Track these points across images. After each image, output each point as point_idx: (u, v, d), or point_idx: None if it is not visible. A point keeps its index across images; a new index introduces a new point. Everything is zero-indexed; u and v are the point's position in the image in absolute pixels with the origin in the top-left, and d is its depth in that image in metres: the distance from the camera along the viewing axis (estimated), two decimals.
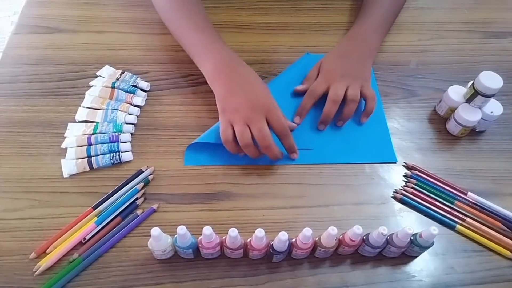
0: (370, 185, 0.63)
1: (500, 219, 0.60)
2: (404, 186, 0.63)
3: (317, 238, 0.53)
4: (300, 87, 0.71)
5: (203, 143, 0.64)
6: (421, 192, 0.62)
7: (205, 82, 0.72)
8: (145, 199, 0.59)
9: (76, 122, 0.66)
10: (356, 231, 0.50)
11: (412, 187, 0.62)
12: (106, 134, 0.64)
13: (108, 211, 0.57)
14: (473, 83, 0.65)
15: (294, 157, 0.64)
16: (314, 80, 0.71)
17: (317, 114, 0.69)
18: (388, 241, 0.53)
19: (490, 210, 0.61)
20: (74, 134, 0.64)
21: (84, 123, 0.66)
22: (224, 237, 0.52)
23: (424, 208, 0.61)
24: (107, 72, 0.72)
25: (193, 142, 0.64)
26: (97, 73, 0.72)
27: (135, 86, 0.70)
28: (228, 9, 0.84)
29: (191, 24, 0.69)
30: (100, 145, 0.63)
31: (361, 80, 0.69)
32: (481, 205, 0.61)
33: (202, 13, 0.71)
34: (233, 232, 0.49)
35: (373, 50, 0.75)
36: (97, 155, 0.62)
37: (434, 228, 0.51)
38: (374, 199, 0.62)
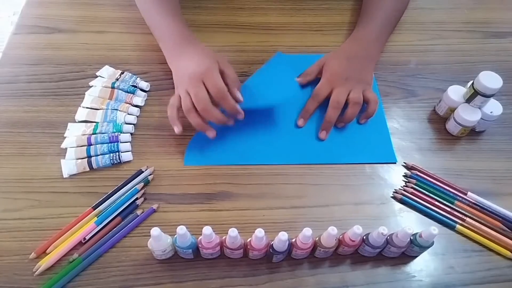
0: (370, 185, 0.63)
1: (500, 219, 0.60)
2: (404, 186, 0.63)
3: (317, 238, 0.53)
4: (300, 79, 0.72)
5: (203, 143, 0.64)
6: (421, 192, 0.62)
7: None
8: (145, 199, 0.59)
9: (76, 122, 0.66)
10: (356, 231, 0.50)
11: (412, 187, 0.62)
12: (106, 134, 0.64)
13: (108, 211, 0.57)
14: (472, 83, 0.65)
15: (239, 117, 0.62)
16: (313, 76, 0.72)
17: (317, 114, 0.69)
18: (388, 241, 0.53)
19: (490, 210, 0.61)
20: (74, 134, 0.64)
21: (84, 123, 0.66)
22: (224, 237, 0.52)
23: (424, 208, 0.61)
24: (107, 72, 0.72)
25: (191, 140, 0.64)
26: (97, 73, 0.72)
27: (135, 86, 0.70)
28: (228, 9, 0.83)
29: (158, 9, 0.71)
30: (100, 145, 0.63)
31: (364, 83, 0.69)
32: (481, 205, 0.61)
33: (174, 2, 0.73)
34: (233, 232, 0.49)
35: (377, 53, 0.75)
36: (97, 155, 0.62)
37: (434, 228, 0.51)
38: (374, 199, 0.62)
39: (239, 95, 0.62)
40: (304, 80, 0.72)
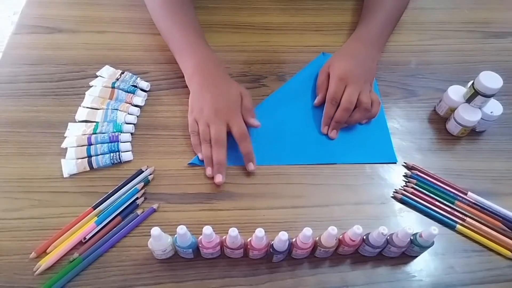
0: (370, 185, 0.63)
1: (500, 219, 0.60)
2: (404, 186, 0.63)
3: (317, 238, 0.53)
4: (318, 100, 0.70)
5: None
6: (421, 192, 0.62)
7: None
8: (145, 199, 0.59)
9: (76, 122, 0.66)
10: (356, 231, 0.50)
11: (412, 187, 0.62)
12: (106, 134, 0.64)
13: (108, 211, 0.57)
14: (473, 83, 0.65)
15: (250, 167, 0.62)
16: (325, 86, 0.69)
17: (318, 113, 0.69)
18: (388, 241, 0.53)
19: (490, 210, 0.61)
20: (74, 134, 0.64)
21: (84, 123, 0.66)
22: (224, 237, 0.52)
23: (424, 208, 0.61)
24: (107, 72, 0.72)
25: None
26: (97, 73, 0.72)
27: (135, 86, 0.70)
28: (228, 9, 0.83)
29: (176, 24, 0.71)
30: (100, 145, 0.63)
31: (369, 83, 0.69)
32: (481, 205, 0.61)
33: (190, 13, 0.72)
34: (233, 232, 0.49)
35: (378, 52, 0.75)
36: (97, 155, 0.62)
37: (434, 228, 0.51)
38: (374, 199, 0.62)
39: (256, 122, 0.64)
40: (322, 98, 0.69)
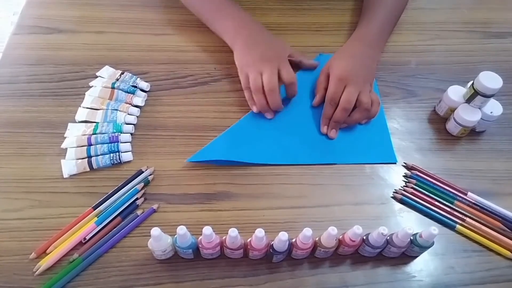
0: (370, 185, 0.63)
1: (500, 219, 0.60)
2: (404, 186, 0.63)
3: (317, 238, 0.53)
4: (316, 100, 0.70)
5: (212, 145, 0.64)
6: (421, 192, 0.62)
7: (205, 83, 0.73)
8: (145, 199, 0.59)
9: (76, 122, 0.66)
10: (356, 231, 0.50)
11: (412, 187, 0.62)
12: (106, 135, 0.64)
13: (108, 211, 0.57)
14: (472, 83, 0.65)
15: (293, 93, 0.68)
16: (324, 86, 0.69)
17: (317, 113, 0.69)
18: (388, 241, 0.53)
19: (490, 210, 0.61)
20: (74, 134, 0.64)
21: (84, 124, 0.66)
22: (224, 237, 0.52)
23: (424, 208, 0.61)
24: (107, 73, 0.72)
25: (196, 156, 0.63)
26: (97, 74, 0.72)
27: (135, 87, 0.70)
28: None
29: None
30: (100, 145, 0.63)
31: (369, 83, 0.69)
32: (481, 205, 0.61)
33: None
34: (233, 232, 0.49)
35: (379, 53, 0.75)
36: (97, 155, 0.62)
37: (434, 228, 0.51)
38: (374, 199, 0.62)
39: (314, 62, 0.74)
40: (320, 98, 0.69)
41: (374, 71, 0.72)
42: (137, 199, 0.59)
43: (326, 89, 0.69)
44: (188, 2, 0.78)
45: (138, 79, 0.71)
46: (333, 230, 0.50)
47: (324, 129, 0.67)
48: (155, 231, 0.48)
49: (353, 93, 0.66)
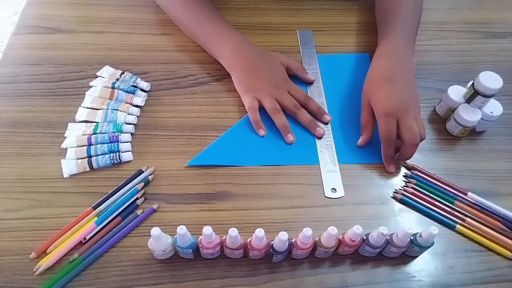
0: (370, 185, 0.63)
1: (500, 219, 0.60)
2: (404, 186, 0.63)
3: (317, 238, 0.53)
4: (364, 141, 0.65)
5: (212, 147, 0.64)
6: (421, 192, 0.62)
7: (205, 82, 0.72)
8: (145, 199, 0.59)
9: (76, 122, 0.66)
10: (356, 231, 0.50)
11: (412, 187, 0.62)
12: (106, 134, 0.64)
13: (108, 211, 0.57)
14: (473, 83, 0.65)
15: (326, 119, 0.68)
16: (372, 124, 0.64)
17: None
18: (388, 241, 0.53)
19: (490, 210, 0.61)
20: (74, 134, 0.64)
21: (84, 123, 0.66)
22: (224, 237, 0.52)
23: (424, 208, 0.61)
24: (107, 73, 0.72)
25: (195, 160, 0.63)
26: (97, 74, 0.72)
27: (135, 87, 0.70)
28: (228, 10, 0.83)
29: (200, 15, 0.73)
30: (100, 145, 0.63)
31: (417, 105, 0.64)
32: (481, 205, 0.61)
33: (209, 3, 0.74)
34: (233, 232, 0.49)
35: (412, 66, 0.68)
36: (97, 155, 0.62)
37: (434, 228, 0.51)
38: (374, 199, 0.62)
39: (311, 77, 0.73)
40: (368, 137, 0.65)
41: (415, 84, 0.66)
42: (137, 199, 0.59)
43: (373, 128, 0.65)
44: (182, 25, 0.76)
45: (138, 79, 0.71)
46: (333, 230, 0.50)
47: (392, 168, 0.63)
48: (155, 231, 0.48)
49: (413, 125, 0.60)
